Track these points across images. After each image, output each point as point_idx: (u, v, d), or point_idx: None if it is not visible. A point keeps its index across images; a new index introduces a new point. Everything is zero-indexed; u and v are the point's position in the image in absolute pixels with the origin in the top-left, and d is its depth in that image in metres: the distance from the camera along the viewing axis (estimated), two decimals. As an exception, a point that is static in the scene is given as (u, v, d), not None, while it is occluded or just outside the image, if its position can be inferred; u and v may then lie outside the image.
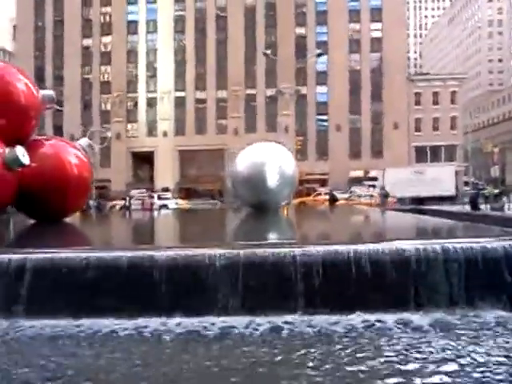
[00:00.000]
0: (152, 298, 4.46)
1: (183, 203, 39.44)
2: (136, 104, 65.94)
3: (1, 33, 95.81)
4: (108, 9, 67.48)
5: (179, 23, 65.95)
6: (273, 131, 61.80)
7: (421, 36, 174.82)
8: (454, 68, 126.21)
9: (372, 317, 4.37)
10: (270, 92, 63.94)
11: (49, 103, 11.98)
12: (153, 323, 4.27)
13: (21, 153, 9.83)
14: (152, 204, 28.67)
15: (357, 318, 4.39)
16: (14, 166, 9.77)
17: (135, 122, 65.90)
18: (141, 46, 66.60)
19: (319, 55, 45.67)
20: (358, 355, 3.60)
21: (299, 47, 65.19)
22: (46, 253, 4.82)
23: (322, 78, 65.41)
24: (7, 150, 9.82)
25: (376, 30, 66.84)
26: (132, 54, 66.62)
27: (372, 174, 52.17)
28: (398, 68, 65.13)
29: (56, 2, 67.95)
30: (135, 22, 66.95)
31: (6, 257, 4.69)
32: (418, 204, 36.61)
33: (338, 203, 31.19)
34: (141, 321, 4.32)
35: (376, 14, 67.15)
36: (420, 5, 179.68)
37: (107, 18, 67.75)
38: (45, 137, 12.40)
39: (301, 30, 66.49)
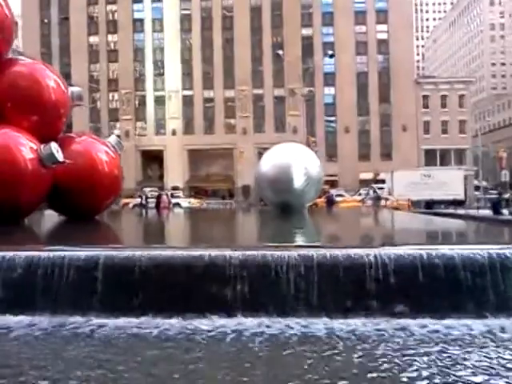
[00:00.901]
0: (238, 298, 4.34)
1: (195, 202, 39.35)
2: (144, 102, 65.81)
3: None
4: (114, 7, 67.34)
5: (185, 22, 65.80)
6: (281, 131, 61.77)
7: (423, 38, 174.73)
8: (456, 71, 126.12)
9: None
10: (278, 92, 63.86)
11: (77, 100, 11.89)
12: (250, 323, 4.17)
13: (55, 149, 9.73)
14: (170, 202, 28.54)
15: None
16: (48, 163, 9.67)
17: (143, 121, 65.79)
18: (147, 45, 66.45)
19: (331, 56, 45.50)
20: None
21: (306, 48, 65.16)
22: (119, 249, 4.71)
23: (329, 79, 65.38)
24: (42, 146, 9.73)
25: (382, 31, 66.85)
26: (139, 52, 66.49)
27: (382, 176, 52.02)
28: (406, 70, 65.10)
29: (61, 0, 67.87)
30: (141, 20, 66.79)
31: (77, 253, 4.57)
32: (425, 208, 36.43)
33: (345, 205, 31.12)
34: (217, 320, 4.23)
35: (382, 16, 67.17)
36: (422, 7, 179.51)
37: (113, 15, 67.64)
38: (75, 133, 12.26)
39: (307, 31, 66.45)
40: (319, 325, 4.14)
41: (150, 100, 65.93)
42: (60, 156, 9.75)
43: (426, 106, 66.42)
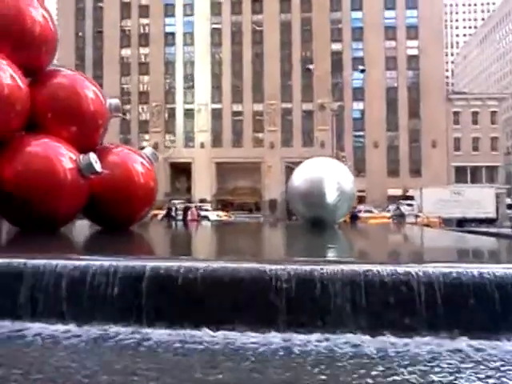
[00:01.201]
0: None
1: (223, 215, 39.42)
2: (174, 115, 66.62)
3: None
4: (146, 20, 68.71)
5: (216, 36, 66.66)
6: (309, 146, 61.72)
7: (452, 55, 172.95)
8: (487, 88, 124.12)
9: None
10: (306, 106, 63.92)
11: (115, 111, 12.04)
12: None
13: (94, 160, 9.85)
14: (199, 215, 28.65)
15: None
16: (87, 173, 9.79)
17: (173, 133, 66.55)
18: (178, 58, 67.45)
19: (362, 71, 45.37)
20: None
21: (335, 63, 65.25)
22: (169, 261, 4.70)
23: (358, 93, 65.18)
24: (81, 156, 9.86)
25: (413, 47, 66.51)
26: (169, 66, 67.53)
27: (411, 192, 51.33)
28: (436, 86, 64.48)
29: (96, 14, 69.51)
30: (172, 34, 67.94)
31: (124, 263, 4.57)
32: (457, 225, 35.77)
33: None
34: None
35: (412, 32, 66.88)
36: (452, 24, 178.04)
37: (145, 29, 68.98)
38: (112, 145, 12.42)
39: (337, 46, 66.54)
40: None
41: (179, 113, 66.73)
42: (98, 166, 9.87)
43: (456, 122, 65.51)
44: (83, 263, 4.58)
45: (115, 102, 11.95)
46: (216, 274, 4.44)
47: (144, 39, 68.03)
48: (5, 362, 3.64)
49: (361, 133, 65.26)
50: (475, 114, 65.68)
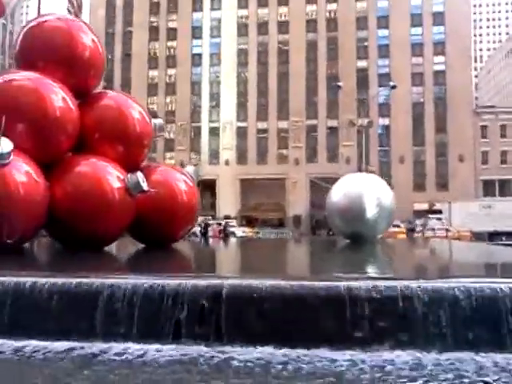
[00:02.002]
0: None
1: (249, 231, 39.53)
2: (199, 133, 67.45)
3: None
4: (173, 43, 70.13)
5: (242, 56, 67.59)
6: (334, 162, 61.68)
7: (476, 69, 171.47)
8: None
9: None
10: (331, 123, 64.06)
11: (159, 131, 12.32)
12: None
13: (141, 179, 10.05)
14: (220, 231, 28.79)
15: None
16: (135, 192, 9.97)
17: (198, 151, 67.27)
18: (204, 78, 68.51)
19: (393, 87, 45.41)
20: None
21: (361, 79, 65.36)
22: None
23: (384, 109, 65.06)
24: (128, 175, 10.06)
25: (439, 63, 66.33)
26: (196, 86, 68.59)
27: (438, 206, 50.80)
28: (463, 100, 64.08)
29: (125, 38, 71.26)
30: (199, 55, 69.16)
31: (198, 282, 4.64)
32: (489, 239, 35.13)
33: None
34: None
35: (439, 48, 66.78)
36: (475, 38, 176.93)
37: (172, 51, 70.35)
38: (155, 163, 12.66)
39: (362, 63, 66.75)
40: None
41: (204, 131, 67.56)
42: (145, 185, 10.05)
43: (484, 136, 64.78)
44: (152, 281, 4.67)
45: (159, 122, 12.24)
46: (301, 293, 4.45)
47: (171, 61, 69.36)
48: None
49: (386, 148, 64.97)
50: (503, 127, 64.89)
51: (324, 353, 4.09)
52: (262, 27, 66.90)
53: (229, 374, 3.78)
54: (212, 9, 69.10)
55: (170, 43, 70.37)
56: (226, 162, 65.42)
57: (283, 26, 66.40)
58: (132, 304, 4.50)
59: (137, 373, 3.83)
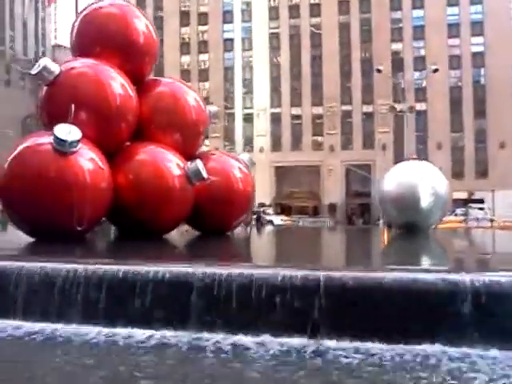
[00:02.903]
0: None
1: (287, 219, 39.23)
2: (233, 120, 67.24)
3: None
4: (204, 27, 69.77)
5: (274, 40, 66.80)
6: (370, 148, 60.78)
7: None
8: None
9: None
10: (366, 108, 62.97)
11: (213, 118, 12.17)
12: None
13: (201, 166, 9.93)
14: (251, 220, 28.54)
15: None
16: (195, 180, 9.87)
17: (232, 138, 67.15)
18: (237, 63, 68.06)
19: (436, 71, 44.13)
20: None
21: (395, 63, 63.87)
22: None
23: (420, 94, 63.51)
24: (188, 163, 9.96)
25: (478, 44, 64.25)
26: (228, 71, 68.22)
27: (478, 195, 49.43)
28: (504, 84, 61.87)
29: (156, 23, 71.14)
30: (231, 40, 68.65)
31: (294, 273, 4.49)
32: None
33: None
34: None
35: (477, 28, 64.62)
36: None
37: (204, 36, 70.06)
38: (210, 151, 12.55)
39: (397, 46, 65.19)
40: None
41: (238, 118, 67.25)
42: (205, 173, 9.92)
43: (526, 122, 62.58)
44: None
45: (214, 109, 12.09)
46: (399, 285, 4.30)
47: (203, 46, 69.11)
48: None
49: (423, 134, 63.52)
50: (546, 111, 62.50)
51: None
52: (294, 10, 65.86)
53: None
54: (242, -8, 68.41)
55: (201, 28, 70.05)
56: (261, 149, 65.03)
57: (315, 8, 65.19)
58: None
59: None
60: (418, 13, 64.38)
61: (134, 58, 10.52)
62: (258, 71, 66.14)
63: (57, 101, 9.25)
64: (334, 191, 62.23)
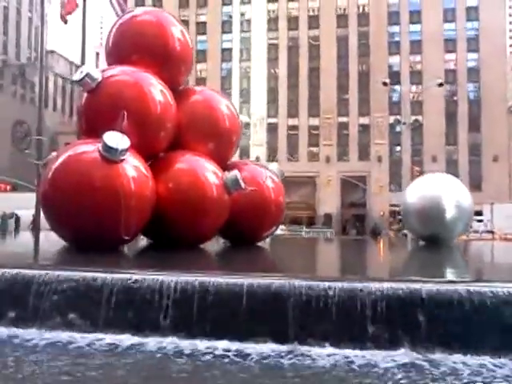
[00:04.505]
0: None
1: (285, 229, 39.13)
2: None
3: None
4: (203, 37, 69.90)
5: (272, 51, 67.09)
6: (366, 160, 61.11)
7: None
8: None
9: None
10: (363, 120, 63.39)
11: (244, 128, 12.14)
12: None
13: (239, 176, 9.87)
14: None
15: None
16: (233, 189, 9.81)
17: (229, 147, 67.04)
18: (234, 73, 68.20)
19: (440, 85, 44.60)
20: None
21: (392, 76, 64.45)
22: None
23: (416, 107, 64.19)
24: (226, 173, 9.90)
25: (473, 59, 65.32)
26: (226, 81, 68.30)
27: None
28: (498, 99, 62.90)
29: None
30: (229, 50, 68.84)
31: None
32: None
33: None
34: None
35: (473, 44, 65.72)
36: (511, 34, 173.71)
37: (202, 45, 70.16)
38: (241, 161, 12.51)
39: (394, 59, 65.93)
40: None
41: (235, 127, 67.21)
42: (242, 182, 9.87)
43: (518, 136, 63.62)
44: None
45: (245, 118, 12.07)
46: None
47: (201, 55, 69.12)
48: None
49: (419, 147, 64.15)
50: (539, 126, 63.65)
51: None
52: (292, 22, 66.28)
53: None
54: (242, 3, 68.61)
55: (199, 37, 70.16)
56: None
57: (314, 21, 65.67)
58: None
59: None
60: (415, 27, 65.26)
61: (171, 66, 10.45)
62: (256, 81, 66.32)
63: (98, 108, 9.16)
64: (329, 202, 62.34)
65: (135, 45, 10.27)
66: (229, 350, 4.18)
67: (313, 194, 63.54)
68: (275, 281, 4.64)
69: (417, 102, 64.65)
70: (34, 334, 4.55)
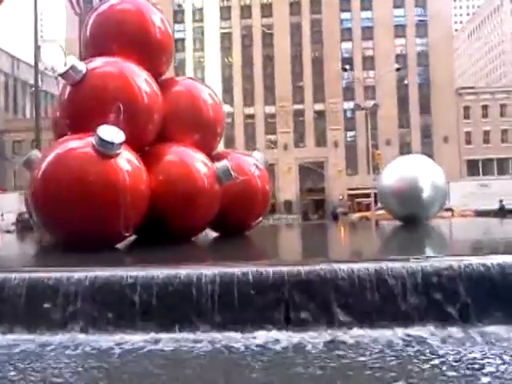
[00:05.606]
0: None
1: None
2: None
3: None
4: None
5: (226, 40, 66.71)
6: (323, 146, 61.92)
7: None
8: (475, 82, 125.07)
9: None
10: (318, 107, 64.12)
11: (226, 118, 12.01)
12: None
13: (229, 166, 9.80)
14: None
15: None
16: (225, 180, 9.72)
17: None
18: (188, 63, 67.40)
19: (398, 69, 45.71)
20: None
21: (346, 62, 65.36)
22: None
23: (370, 92, 65.43)
24: (216, 164, 9.79)
25: (422, 44, 67.14)
26: (179, 71, 67.32)
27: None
28: (446, 82, 65.04)
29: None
30: (182, 40, 67.89)
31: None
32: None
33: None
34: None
35: (421, 29, 67.49)
36: (456, 19, 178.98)
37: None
38: (224, 150, 12.41)
39: (347, 45, 66.86)
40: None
41: (191, 117, 66.62)
42: (234, 173, 9.80)
43: (467, 117, 66.06)
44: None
45: (228, 108, 11.95)
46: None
47: (153, 46, 68.02)
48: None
49: (373, 131, 65.50)
50: (485, 107, 66.25)
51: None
52: (245, 10, 66.05)
53: None
54: (193, -9, 67.83)
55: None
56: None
57: (266, 9, 65.71)
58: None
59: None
60: (366, 14, 66.36)
61: (153, 56, 10.17)
62: (210, 71, 65.81)
63: (83, 102, 8.83)
64: (288, 189, 62.95)
65: (115, 35, 9.93)
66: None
67: (272, 182, 63.88)
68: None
69: (369, 87, 65.86)
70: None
